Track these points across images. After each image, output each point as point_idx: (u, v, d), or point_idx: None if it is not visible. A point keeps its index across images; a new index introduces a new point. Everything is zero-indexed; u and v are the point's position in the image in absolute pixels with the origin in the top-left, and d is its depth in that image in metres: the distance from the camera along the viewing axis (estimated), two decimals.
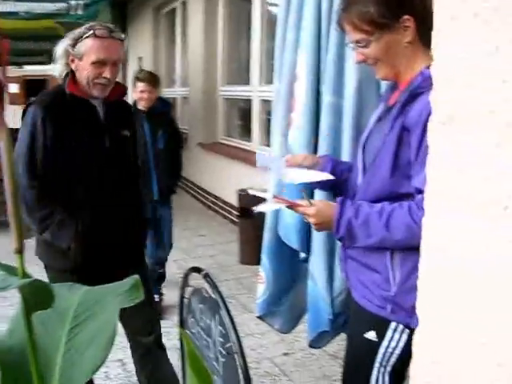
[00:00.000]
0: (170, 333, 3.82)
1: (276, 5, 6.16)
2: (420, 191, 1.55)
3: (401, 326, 1.68)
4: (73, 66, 2.30)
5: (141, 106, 4.20)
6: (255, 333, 3.84)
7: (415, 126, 1.57)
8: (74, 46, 2.26)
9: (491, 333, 0.89)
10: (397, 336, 1.69)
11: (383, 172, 1.67)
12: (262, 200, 1.92)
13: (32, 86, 13.50)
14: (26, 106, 2.34)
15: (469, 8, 0.89)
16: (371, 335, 1.74)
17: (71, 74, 2.31)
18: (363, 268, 1.76)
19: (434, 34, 1.01)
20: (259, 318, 2.59)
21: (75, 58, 2.27)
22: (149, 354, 2.54)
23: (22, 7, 4.89)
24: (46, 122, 2.22)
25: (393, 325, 1.69)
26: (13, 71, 11.43)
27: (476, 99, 0.89)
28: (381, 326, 1.71)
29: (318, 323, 2.33)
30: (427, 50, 1.75)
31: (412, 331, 1.64)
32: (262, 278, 2.51)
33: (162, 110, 4.41)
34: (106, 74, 2.27)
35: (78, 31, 2.29)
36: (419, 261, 1.59)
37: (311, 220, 1.77)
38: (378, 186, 1.69)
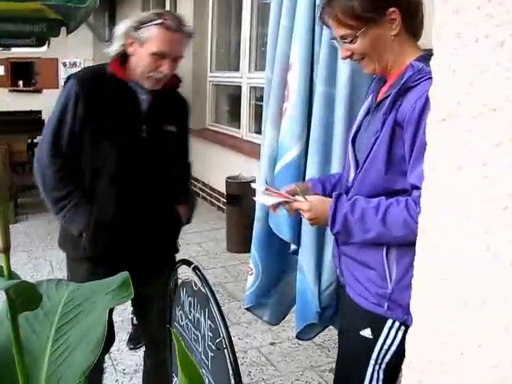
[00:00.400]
0: None
1: None
2: (416, 187, 1.53)
3: (397, 324, 1.66)
4: (130, 50, 2.13)
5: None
6: (242, 322, 3.83)
7: (408, 121, 1.54)
8: (137, 28, 2.08)
9: (487, 334, 0.87)
10: (393, 333, 1.68)
11: (377, 168, 1.64)
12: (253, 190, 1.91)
13: (19, 69, 13.34)
14: (66, 79, 2.20)
15: (473, 1, 0.86)
16: (367, 332, 1.72)
17: (120, 56, 2.15)
18: (358, 265, 1.74)
19: (435, 27, 0.98)
20: (247, 309, 2.58)
21: (135, 41, 2.10)
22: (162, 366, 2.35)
23: None
24: (79, 98, 2.08)
25: (389, 322, 1.67)
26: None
27: (478, 96, 0.86)
28: (377, 324, 1.70)
29: (305, 315, 2.31)
30: (414, 41, 1.73)
31: (408, 328, 1.63)
32: (251, 270, 2.49)
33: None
34: (164, 68, 2.11)
35: (145, 15, 2.13)
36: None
37: (306, 215, 1.75)
38: (373, 182, 1.67)
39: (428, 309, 1.01)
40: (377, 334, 1.70)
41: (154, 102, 2.21)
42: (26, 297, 0.72)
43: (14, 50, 11.10)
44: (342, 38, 1.69)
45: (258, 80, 5.89)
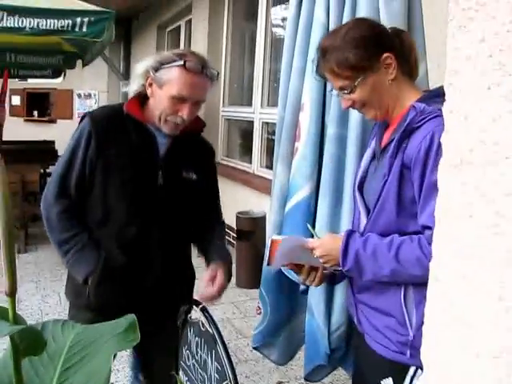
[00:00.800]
0: None
1: (281, 26, 6.20)
2: (427, 227, 1.51)
3: (419, 371, 1.61)
4: (148, 92, 2.02)
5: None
6: (249, 359, 3.78)
7: (415, 162, 1.53)
8: (157, 69, 1.97)
9: None
10: (415, 382, 1.62)
11: (389, 212, 1.62)
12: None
13: (34, 99, 13.55)
14: (82, 116, 2.07)
15: (485, 50, 0.86)
16: (388, 382, 1.67)
17: (139, 97, 2.06)
18: (375, 312, 1.69)
19: (447, 74, 0.98)
20: (255, 348, 2.54)
21: (154, 83, 1.99)
22: None
23: (27, 23, 4.88)
24: (91, 137, 1.97)
25: (411, 370, 1.62)
26: (16, 83, 11.46)
27: (490, 144, 0.86)
28: (398, 372, 1.64)
29: (314, 357, 2.28)
30: (411, 82, 1.74)
31: None
32: (259, 309, 2.47)
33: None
34: (184, 112, 1.97)
35: (166, 55, 2.01)
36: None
37: (317, 253, 1.73)
38: (385, 226, 1.64)
39: (439, 359, 0.99)
40: (399, 382, 1.64)
41: (173, 146, 2.08)
42: (30, 342, 0.71)
43: (30, 80, 11.30)
44: (341, 89, 1.70)
45: (270, 115, 5.92)
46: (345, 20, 2.08)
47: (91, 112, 2.08)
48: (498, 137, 0.84)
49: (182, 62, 1.93)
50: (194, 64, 1.94)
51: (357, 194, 1.80)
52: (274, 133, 5.49)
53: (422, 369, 1.62)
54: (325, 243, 1.74)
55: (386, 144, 1.69)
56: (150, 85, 2.00)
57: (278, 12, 6.27)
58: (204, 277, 2.06)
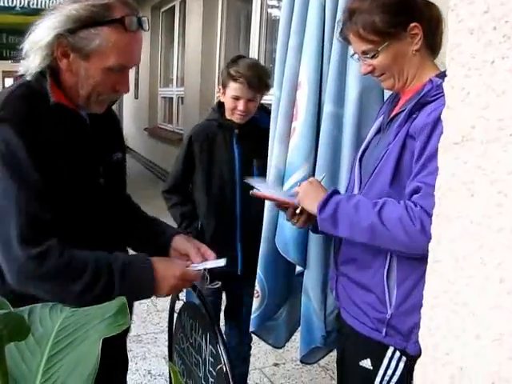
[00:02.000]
0: (157, 339, 3.78)
1: (276, 7, 6.13)
2: (415, 190, 1.49)
3: (397, 354, 1.61)
4: (62, 64, 1.46)
5: (235, 118, 2.60)
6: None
7: (420, 132, 1.51)
8: (74, 31, 1.41)
9: (500, 370, 0.83)
10: (393, 364, 1.62)
11: (383, 181, 1.60)
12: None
13: None
14: None
15: (489, 22, 0.83)
16: (366, 363, 1.67)
17: (51, 74, 1.47)
18: (357, 287, 1.68)
19: (449, 48, 0.95)
20: (253, 333, 2.53)
21: (72, 52, 1.44)
22: None
23: (18, 2, 4.81)
24: (30, 152, 1.38)
25: (389, 352, 1.62)
26: (9, 65, 11.37)
27: (493, 120, 0.83)
28: (376, 353, 1.64)
29: (310, 339, 2.27)
30: (432, 58, 1.72)
31: (409, 358, 1.58)
32: (257, 292, 2.44)
33: (264, 128, 2.58)
34: (122, 86, 1.54)
35: (82, 7, 1.41)
36: (418, 281, 1.55)
37: (297, 188, 1.77)
38: (377, 194, 1.62)
39: (438, 341, 0.96)
40: (377, 364, 1.64)
41: (96, 125, 1.61)
42: (13, 327, 0.68)
43: (23, 62, 11.22)
44: (364, 53, 1.68)
45: (265, 97, 5.88)
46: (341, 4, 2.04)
47: (4, 117, 1.40)
48: (502, 113, 0.81)
49: (115, 18, 1.42)
50: (132, 20, 1.45)
51: (356, 164, 1.78)
52: None
53: (399, 350, 1.62)
54: (309, 185, 1.74)
55: (395, 114, 1.68)
56: (65, 55, 1.45)
57: None
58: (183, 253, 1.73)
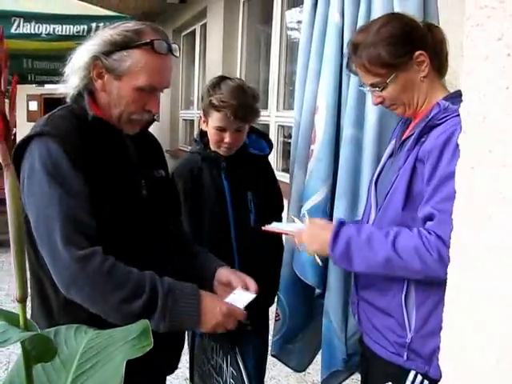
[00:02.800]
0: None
1: (295, 29, 6.18)
2: (429, 218, 1.49)
3: (419, 378, 1.60)
4: (98, 85, 1.58)
5: (221, 151, 2.28)
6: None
7: (429, 156, 1.52)
8: (109, 54, 1.54)
9: None
10: None
11: (396, 205, 1.60)
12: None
13: (51, 105, 13.63)
14: (24, 142, 1.51)
15: (502, 48, 0.85)
16: None
17: (88, 94, 1.60)
18: (377, 311, 1.68)
19: (464, 74, 0.96)
20: (274, 356, 2.52)
21: (107, 73, 1.55)
22: None
23: (43, 29, 4.93)
24: (73, 163, 1.48)
25: (411, 376, 1.61)
26: (33, 89, 11.59)
27: (510, 144, 0.84)
28: (398, 377, 1.63)
29: (331, 362, 2.26)
30: (440, 79, 1.73)
31: (431, 382, 1.57)
32: (278, 315, 2.44)
33: (256, 155, 2.40)
34: (153, 106, 1.61)
35: (117, 33, 1.55)
36: (437, 304, 1.54)
37: (303, 235, 1.72)
38: (391, 219, 1.62)
39: (457, 365, 0.96)
40: None
41: (137, 144, 1.71)
42: (41, 349, 0.70)
43: (47, 86, 11.40)
44: (372, 85, 1.69)
45: (286, 119, 5.90)
46: (360, 21, 2.06)
47: (45, 131, 1.52)
48: None
49: (145, 42, 1.54)
50: (161, 44, 1.56)
51: (372, 188, 1.79)
52: (290, 136, 5.47)
53: (421, 374, 1.61)
54: (314, 225, 1.72)
55: (405, 138, 1.68)
56: (100, 75, 1.57)
57: (292, 15, 6.26)
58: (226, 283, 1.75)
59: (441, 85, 1.72)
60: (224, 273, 1.77)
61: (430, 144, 1.54)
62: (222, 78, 2.27)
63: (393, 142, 1.81)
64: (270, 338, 2.57)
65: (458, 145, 1.45)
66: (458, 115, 1.50)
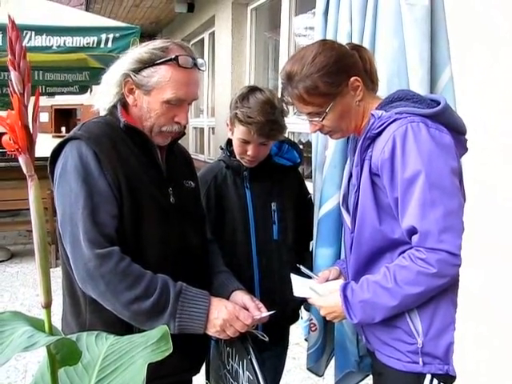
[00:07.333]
0: None
1: (303, 35, 6.21)
2: (412, 231, 1.50)
3: (435, 381, 1.60)
4: (130, 100, 1.70)
5: (244, 162, 2.25)
6: None
7: (381, 167, 1.54)
8: (138, 71, 1.65)
9: None
10: None
11: (371, 223, 1.62)
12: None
13: (61, 116, 13.79)
14: (59, 145, 1.66)
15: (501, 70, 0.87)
16: None
17: (121, 105, 1.72)
18: (382, 327, 1.68)
19: (464, 100, 0.98)
20: (310, 370, 2.49)
21: (137, 88, 1.67)
22: None
23: (54, 41, 5.00)
24: (101, 164, 1.58)
25: (427, 380, 1.61)
26: (43, 101, 11.69)
27: None
28: (414, 382, 1.63)
29: (344, 364, 2.27)
30: (373, 92, 1.75)
31: (447, 380, 1.57)
32: (314, 326, 2.36)
33: (283, 165, 2.37)
34: (181, 118, 1.69)
35: (145, 51, 1.67)
36: (438, 302, 1.55)
37: (322, 312, 1.77)
38: (371, 236, 1.64)
39: (472, 368, 0.98)
40: None
41: (166, 155, 1.82)
42: (66, 353, 0.72)
43: (57, 97, 11.51)
44: (310, 114, 1.70)
45: (297, 125, 5.92)
46: (367, 30, 2.07)
47: (78, 135, 1.64)
48: None
49: (173, 58, 1.64)
50: (186, 58, 1.65)
51: (343, 210, 1.80)
52: (300, 142, 5.47)
53: (436, 376, 1.61)
54: (326, 303, 1.74)
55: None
56: (131, 91, 1.69)
57: (300, 22, 6.29)
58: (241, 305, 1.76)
59: (374, 97, 1.74)
60: (238, 295, 1.81)
61: (376, 157, 1.55)
62: (251, 90, 2.21)
63: (348, 161, 1.84)
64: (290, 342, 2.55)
65: (404, 146, 1.50)
66: (394, 120, 1.55)
